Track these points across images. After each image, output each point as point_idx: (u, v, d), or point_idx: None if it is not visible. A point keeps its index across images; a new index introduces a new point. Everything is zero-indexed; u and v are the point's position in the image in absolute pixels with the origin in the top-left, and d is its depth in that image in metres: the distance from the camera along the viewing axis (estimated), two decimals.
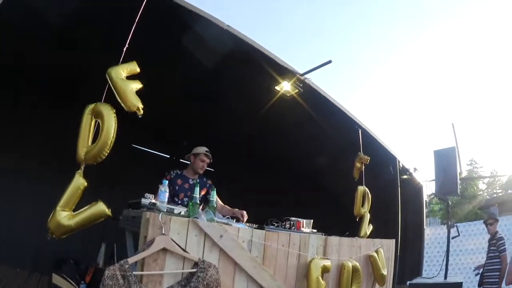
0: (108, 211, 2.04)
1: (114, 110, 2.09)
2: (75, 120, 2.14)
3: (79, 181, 1.99)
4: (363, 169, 4.45)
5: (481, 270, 5.17)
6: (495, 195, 29.66)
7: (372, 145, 5.17)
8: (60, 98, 5.17)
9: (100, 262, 4.68)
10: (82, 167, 2.02)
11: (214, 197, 2.45)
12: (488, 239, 5.08)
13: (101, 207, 2.02)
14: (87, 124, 2.04)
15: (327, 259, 2.82)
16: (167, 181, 2.57)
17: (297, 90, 3.76)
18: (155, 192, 2.57)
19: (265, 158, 7.09)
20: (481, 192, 30.73)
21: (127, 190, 3.62)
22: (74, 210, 1.98)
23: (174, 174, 3.68)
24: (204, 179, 3.81)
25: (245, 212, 3.28)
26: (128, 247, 2.99)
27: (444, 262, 5.90)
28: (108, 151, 2.05)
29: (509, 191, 28.37)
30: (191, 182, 3.66)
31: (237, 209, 3.41)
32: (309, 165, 6.88)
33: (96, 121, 2.07)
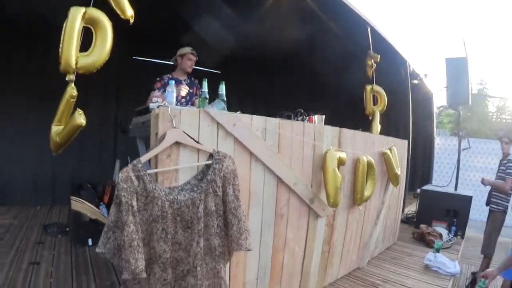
0: (82, 121, 1.86)
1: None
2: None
3: (70, 92, 1.85)
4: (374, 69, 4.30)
5: (489, 187, 5.03)
6: (504, 120, 29.43)
7: (383, 46, 4.94)
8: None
9: (116, 179, 4.73)
10: (73, 77, 1.82)
11: (223, 90, 2.33)
12: (500, 159, 4.90)
13: (75, 120, 1.85)
14: (73, 27, 1.78)
15: (343, 151, 2.78)
16: (173, 81, 2.44)
17: None
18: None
19: (270, 57, 6.89)
20: (490, 114, 30.39)
21: (134, 101, 3.56)
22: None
23: (166, 79, 3.67)
24: (192, 79, 3.86)
25: None
26: (141, 154, 2.98)
27: (454, 174, 5.98)
28: (103, 63, 1.89)
29: None
30: (184, 83, 3.70)
31: None
32: (317, 63, 6.68)
33: (84, 27, 1.84)
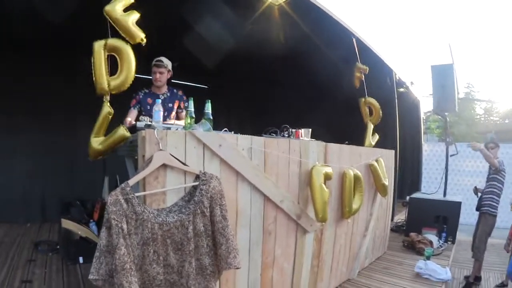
0: (127, 133, 2.14)
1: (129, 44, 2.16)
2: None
3: (106, 110, 2.14)
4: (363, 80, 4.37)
5: (479, 194, 5.06)
6: (492, 122, 29.75)
7: (368, 56, 5.02)
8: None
9: (105, 196, 4.73)
10: (108, 97, 2.13)
11: (209, 108, 2.34)
12: (489, 165, 4.93)
13: (120, 132, 2.14)
14: (101, 58, 2.09)
15: (329, 166, 2.82)
16: (160, 100, 2.47)
17: None
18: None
19: (259, 71, 6.97)
20: (478, 117, 30.67)
21: (123, 118, 3.57)
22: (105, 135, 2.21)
23: (142, 94, 3.55)
24: (174, 91, 3.67)
25: None
26: (129, 174, 2.98)
27: (443, 180, 6.01)
28: (131, 82, 2.16)
29: (506, 121, 28.42)
30: (162, 98, 3.50)
31: None
32: (304, 77, 6.73)
33: (108, 55, 2.13)
